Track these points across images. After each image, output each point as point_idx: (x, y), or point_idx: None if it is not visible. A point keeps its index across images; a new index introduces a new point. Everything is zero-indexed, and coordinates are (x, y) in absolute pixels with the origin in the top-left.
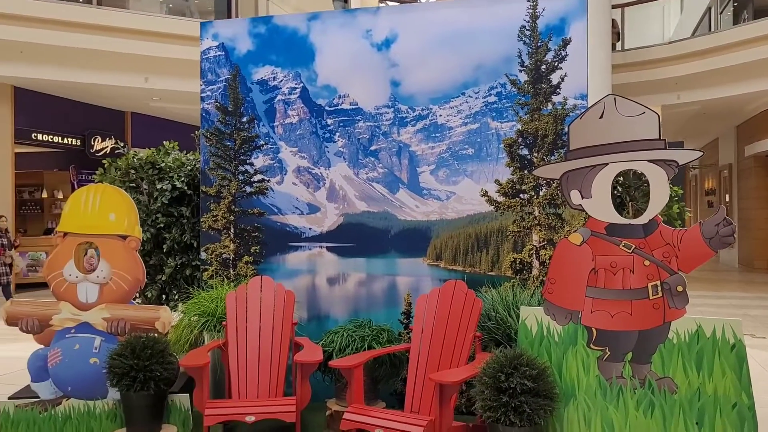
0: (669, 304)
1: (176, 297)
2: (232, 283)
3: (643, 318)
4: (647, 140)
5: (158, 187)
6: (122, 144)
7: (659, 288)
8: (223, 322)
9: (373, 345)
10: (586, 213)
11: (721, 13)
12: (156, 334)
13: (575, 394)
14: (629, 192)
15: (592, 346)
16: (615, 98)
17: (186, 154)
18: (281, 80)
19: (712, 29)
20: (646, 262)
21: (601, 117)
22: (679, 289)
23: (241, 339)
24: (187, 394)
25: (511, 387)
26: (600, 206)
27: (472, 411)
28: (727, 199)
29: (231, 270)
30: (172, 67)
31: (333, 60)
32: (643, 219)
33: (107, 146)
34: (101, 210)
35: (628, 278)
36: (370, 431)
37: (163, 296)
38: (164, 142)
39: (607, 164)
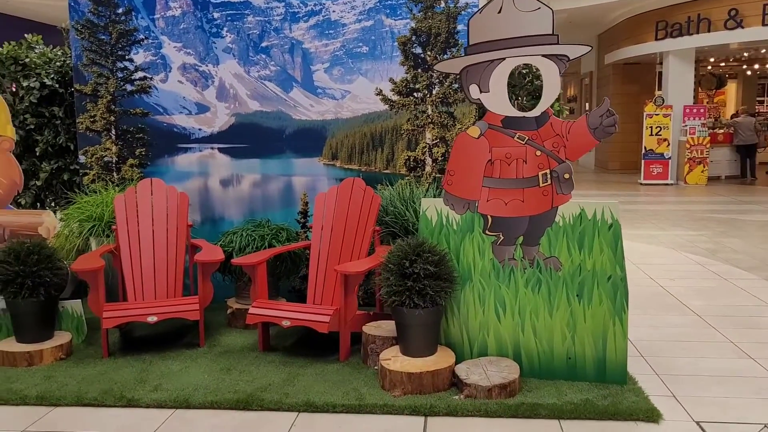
0: (557, 190)
1: (53, 204)
2: (117, 187)
3: (534, 204)
4: (542, 35)
5: (24, 85)
6: None
7: (549, 176)
8: (113, 227)
9: (273, 243)
10: (484, 106)
11: None
12: (39, 240)
13: (471, 276)
14: (515, 91)
15: (487, 232)
16: None
17: (53, 49)
18: None
19: None
20: (538, 153)
21: (499, 12)
22: (566, 176)
23: (134, 243)
24: (80, 300)
25: (415, 272)
26: (497, 100)
27: (369, 302)
28: (588, 107)
29: (114, 174)
30: None
31: None
32: (536, 112)
33: None
34: None
35: (521, 168)
36: (277, 323)
37: (38, 203)
38: (26, 35)
39: (504, 59)
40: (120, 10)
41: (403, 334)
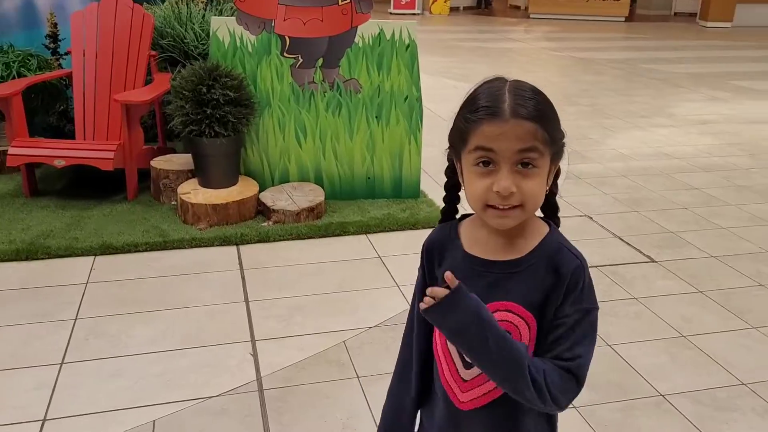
0: (356, 9)
1: None
2: None
3: (333, 24)
4: None
5: None
6: None
7: None
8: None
9: (23, 72)
10: None
11: None
12: None
13: (270, 102)
14: None
15: (285, 54)
16: None
17: None
18: None
19: None
20: None
21: None
22: None
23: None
24: None
25: (214, 99)
26: None
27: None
28: None
29: None
30: None
31: None
32: None
33: None
34: None
35: None
36: (48, 163)
37: None
38: None
39: None
40: None
41: (203, 165)
